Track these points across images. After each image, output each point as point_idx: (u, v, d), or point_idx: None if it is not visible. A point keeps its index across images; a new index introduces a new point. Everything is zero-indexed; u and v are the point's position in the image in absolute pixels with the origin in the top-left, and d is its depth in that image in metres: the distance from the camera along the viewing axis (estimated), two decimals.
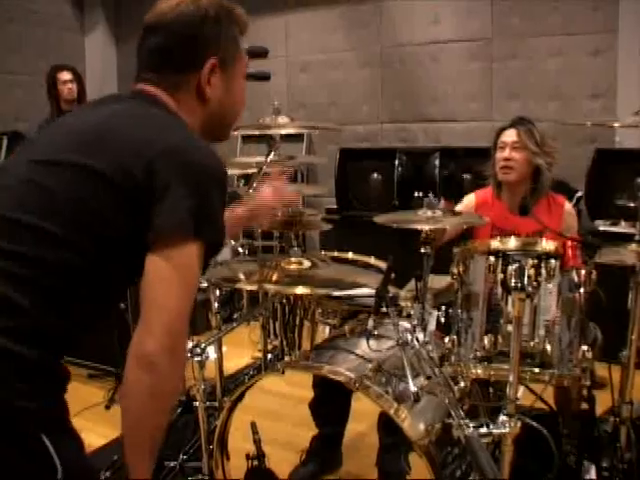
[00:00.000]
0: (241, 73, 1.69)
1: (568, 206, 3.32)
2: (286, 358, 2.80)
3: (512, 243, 2.32)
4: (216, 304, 3.08)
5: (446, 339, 2.32)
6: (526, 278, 2.06)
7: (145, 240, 1.38)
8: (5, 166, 1.57)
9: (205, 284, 2.89)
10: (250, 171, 3.40)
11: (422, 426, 2.21)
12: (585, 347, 2.21)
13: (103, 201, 1.39)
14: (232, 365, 4.24)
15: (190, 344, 2.63)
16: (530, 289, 2.07)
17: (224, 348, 3.18)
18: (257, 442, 2.48)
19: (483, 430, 2.03)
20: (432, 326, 2.49)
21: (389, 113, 6.32)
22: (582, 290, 2.26)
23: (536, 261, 2.14)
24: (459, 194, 3.48)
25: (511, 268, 2.08)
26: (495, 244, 2.31)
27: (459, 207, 3.31)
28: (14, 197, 1.41)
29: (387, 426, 2.51)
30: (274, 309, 2.96)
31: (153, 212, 1.37)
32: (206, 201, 1.41)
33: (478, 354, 2.25)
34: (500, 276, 2.18)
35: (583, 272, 2.26)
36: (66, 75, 4.83)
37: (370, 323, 2.33)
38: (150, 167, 1.38)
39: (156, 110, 1.54)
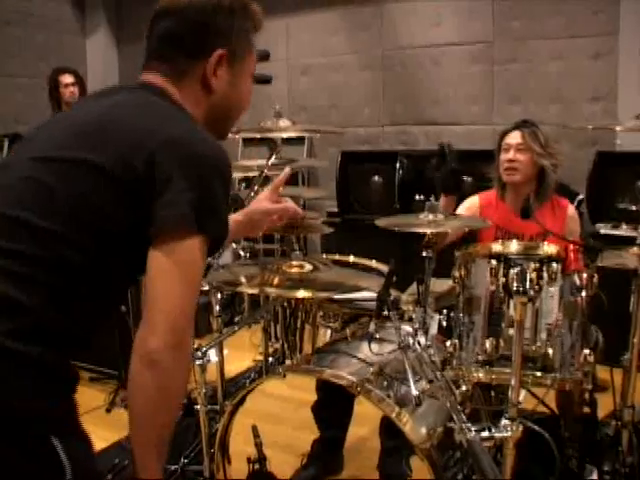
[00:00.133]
0: (249, 70, 1.67)
1: (571, 209, 3.33)
2: (287, 362, 2.80)
3: (514, 247, 2.32)
4: (217, 307, 3.07)
5: (448, 343, 2.32)
6: (528, 282, 2.06)
7: (146, 235, 1.36)
8: (5, 164, 1.55)
9: (206, 287, 2.89)
10: (251, 174, 3.40)
11: (424, 430, 2.21)
12: (587, 351, 2.21)
13: (103, 196, 1.37)
14: (233, 368, 4.24)
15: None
16: (532, 293, 2.07)
17: (225, 351, 3.17)
18: (258, 445, 2.47)
19: (485, 434, 2.02)
20: (434, 330, 2.49)
21: (390, 116, 6.32)
22: (584, 294, 2.26)
23: (538, 265, 2.14)
24: (460, 196, 3.47)
25: (513, 272, 2.08)
26: (497, 248, 2.31)
27: (461, 209, 3.31)
28: (14, 195, 1.40)
29: (389, 430, 2.50)
30: (275, 312, 2.95)
31: (154, 206, 1.36)
32: (209, 194, 1.39)
33: (480, 358, 2.25)
34: (502, 280, 2.17)
35: (585, 276, 2.25)
36: (68, 78, 4.84)
37: (372, 327, 2.33)
38: (151, 159, 1.36)
39: (160, 101, 1.52)
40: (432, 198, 2.65)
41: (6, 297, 1.30)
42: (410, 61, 6.15)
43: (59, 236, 1.35)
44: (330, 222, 4.78)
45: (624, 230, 4.43)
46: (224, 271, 2.80)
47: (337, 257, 3.09)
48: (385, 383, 2.32)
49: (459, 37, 5.91)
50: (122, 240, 1.41)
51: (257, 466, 2.47)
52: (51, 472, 1.31)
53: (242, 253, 3.26)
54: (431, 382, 2.19)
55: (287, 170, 2.15)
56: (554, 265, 2.18)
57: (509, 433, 2.06)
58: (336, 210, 5.81)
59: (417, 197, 5.11)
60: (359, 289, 2.58)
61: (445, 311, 2.57)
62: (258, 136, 4.26)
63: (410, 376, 2.16)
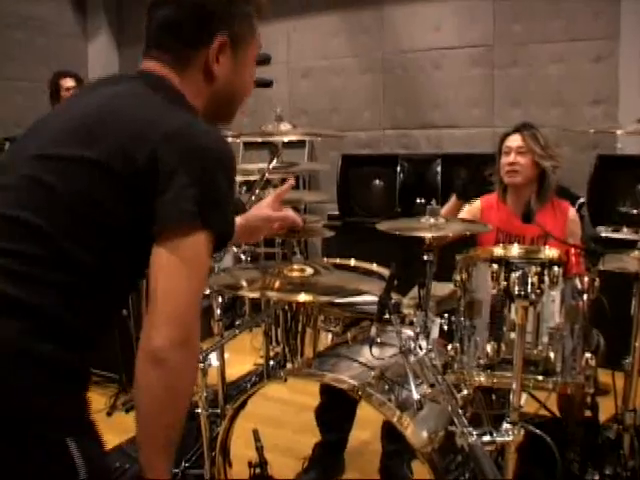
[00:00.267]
0: (252, 56, 1.63)
1: (572, 212, 3.34)
2: (288, 365, 2.80)
3: (515, 251, 2.32)
4: (218, 311, 3.07)
5: (449, 347, 2.31)
6: (529, 286, 2.06)
7: (149, 231, 1.34)
8: (4, 163, 1.52)
9: (207, 291, 2.89)
10: (252, 178, 3.40)
11: (425, 434, 2.20)
12: (588, 354, 2.20)
13: (103, 191, 1.35)
14: (234, 372, 4.24)
15: None
16: (533, 297, 2.07)
17: (226, 355, 3.17)
18: (259, 449, 2.47)
19: (486, 438, 2.02)
20: (435, 334, 2.48)
21: (391, 119, 6.32)
22: (585, 297, 2.26)
23: (539, 269, 2.13)
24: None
25: (514, 276, 2.08)
26: (498, 251, 2.31)
27: (463, 212, 3.32)
28: (13, 195, 1.39)
29: (390, 433, 2.50)
30: (276, 316, 2.95)
31: (157, 202, 1.33)
32: (212, 188, 1.37)
33: (481, 362, 2.24)
34: (503, 284, 2.17)
35: (586, 279, 2.25)
36: (69, 82, 4.83)
37: (373, 331, 2.33)
38: (153, 153, 1.34)
39: (160, 91, 1.48)
40: (433, 202, 2.64)
41: (11, 297, 1.29)
42: (411, 64, 6.15)
43: (59, 234, 1.34)
44: (331, 225, 4.77)
45: (625, 233, 4.43)
46: (225, 275, 2.80)
47: (338, 261, 3.08)
48: (386, 387, 2.32)
49: (460, 40, 5.91)
50: (124, 236, 1.39)
51: (258, 470, 2.47)
52: (65, 471, 1.30)
53: (243, 257, 3.27)
54: (432, 386, 2.19)
55: (291, 182, 2.16)
56: (555, 269, 2.18)
57: (511, 437, 2.06)
58: (337, 213, 5.81)
59: (418, 200, 5.12)
60: (360, 293, 2.58)
61: (446, 315, 2.57)
62: (259, 140, 4.26)
63: (411, 380, 2.15)
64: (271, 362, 3.47)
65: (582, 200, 4.55)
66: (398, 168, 5.60)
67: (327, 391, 2.78)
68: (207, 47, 1.52)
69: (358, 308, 2.77)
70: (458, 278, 2.35)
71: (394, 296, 2.49)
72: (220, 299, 3.06)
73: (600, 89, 5.33)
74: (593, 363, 2.20)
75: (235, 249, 3.18)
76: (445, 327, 2.56)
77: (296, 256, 2.66)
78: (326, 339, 2.81)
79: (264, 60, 2.68)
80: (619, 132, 3.53)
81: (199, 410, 2.79)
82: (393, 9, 6.21)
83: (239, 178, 3.93)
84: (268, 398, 2.51)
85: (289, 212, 2.09)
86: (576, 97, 5.43)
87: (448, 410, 2.11)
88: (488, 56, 5.79)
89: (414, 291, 2.55)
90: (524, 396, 2.31)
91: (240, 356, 4.40)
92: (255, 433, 2.49)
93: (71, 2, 7.20)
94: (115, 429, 3.35)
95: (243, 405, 2.48)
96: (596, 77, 5.34)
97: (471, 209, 3.37)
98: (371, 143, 6.41)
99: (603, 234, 4.52)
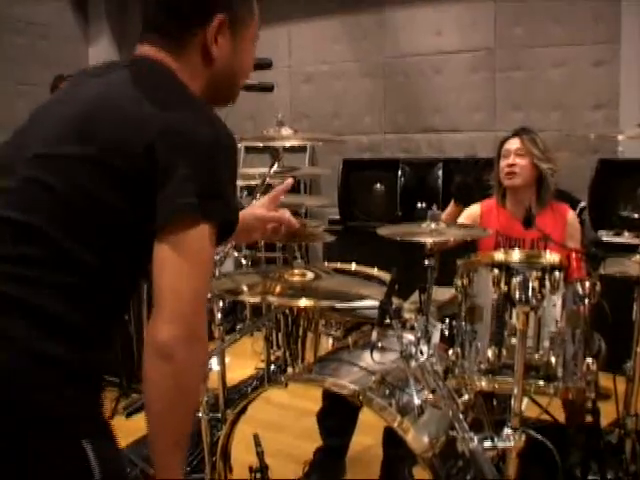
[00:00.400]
0: (251, 36, 1.59)
1: (571, 214, 3.35)
2: (289, 370, 2.80)
3: (516, 255, 2.32)
4: (219, 315, 3.07)
5: (450, 351, 2.31)
6: (530, 291, 2.06)
7: (151, 227, 1.32)
8: (3, 163, 1.47)
9: (208, 295, 2.89)
10: (253, 182, 3.40)
11: (426, 439, 2.20)
12: (590, 359, 2.20)
13: (103, 189, 1.34)
14: (235, 376, 4.24)
15: None
16: (534, 302, 2.07)
17: (227, 359, 3.17)
18: (260, 454, 2.47)
19: (487, 444, 2.02)
20: (436, 339, 2.48)
21: (392, 123, 6.33)
22: (586, 302, 2.26)
23: (540, 273, 2.13)
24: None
25: (515, 281, 2.08)
26: (499, 256, 2.31)
27: (463, 217, 3.33)
28: (13, 197, 1.38)
29: (391, 438, 2.50)
30: (277, 320, 2.95)
31: (158, 197, 1.32)
32: (213, 178, 1.35)
33: (482, 367, 2.24)
34: (504, 289, 2.17)
35: (587, 284, 2.25)
36: None
37: (374, 336, 2.32)
38: (151, 148, 1.31)
39: (155, 78, 1.46)
40: (434, 206, 2.64)
41: (15, 298, 1.29)
42: (412, 69, 6.16)
43: (60, 234, 1.33)
44: (332, 230, 4.77)
45: (626, 238, 4.44)
46: (226, 279, 2.80)
47: (339, 265, 3.08)
48: (387, 392, 2.31)
49: (461, 45, 5.92)
50: (126, 233, 1.38)
51: (259, 475, 2.46)
52: (80, 472, 1.30)
53: (244, 261, 3.27)
54: (434, 391, 2.19)
55: (289, 180, 2.14)
56: (556, 274, 2.18)
57: (512, 443, 2.06)
58: (338, 218, 5.81)
59: (419, 205, 5.11)
60: (361, 297, 2.58)
61: (447, 320, 2.57)
62: (260, 145, 4.27)
63: (412, 385, 2.15)
64: (272, 366, 3.47)
65: (583, 204, 4.56)
66: (399, 172, 5.60)
67: (329, 396, 2.78)
68: (205, 28, 1.48)
69: (359, 312, 2.77)
70: (459, 283, 2.35)
71: (395, 301, 2.49)
72: (221, 303, 3.06)
73: (601, 93, 5.34)
74: (594, 368, 2.19)
75: (236, 254, 3.18)
76: (446, 332, 2.56)
77: (297, 260, 2.66)
78: (327, 343, 2.81)
79: (265, 64, 2.69)
80: (620, 137, 3.54)
81: (200, 414, 2.79)
82: (394, 13, 6.22)
83: (240, 182, 3.94)
84: (269, 402, 2.51)
85: (284, 213, 2.06)
86: (577, 101, 5.43)
87: (449, 415, 2.11)
88: (489, 60, 5.80)
89: (415, 296, 2.55)
90: (525, 400, 2.31)
91: (241, 360, 4.40)
92: (256, 438, 2.49)
93: (73, 6, 7.20)
94: (116, 433, 3.35)
95: (244, 410, 2.47)
96: (597, 81, 5.35)
97: (471, 214, 3.38)
98: (372, 147, 6.42)
99: (604, 238, 4.53)
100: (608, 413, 2.92)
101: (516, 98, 5.71)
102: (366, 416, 2.47)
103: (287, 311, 2.80)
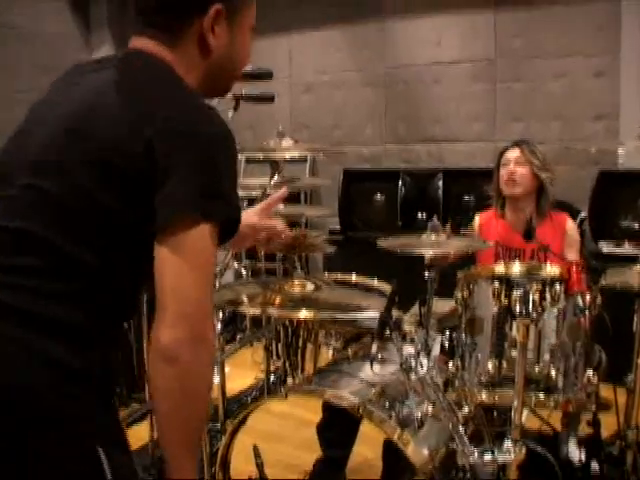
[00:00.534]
0: (248, 25, 1.55)
1: (570, 223, 3.35)
2: (289, 380, 2.79)
3: (516, 268, 2.32)
4: (219, 326, 3.06)
5: (450, 363, 2.31)
6: (531, 304, 2.06)
7: (150, 227, 1.31)
8: (1, 171, 1.46)
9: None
10: (254, 193, 3.39)
11: (426, 451, 2.19)
12: (590, 372, 2.20)
13: (103, 190, 1.32)
14: (235, 386, 4.23)
15: None
16: (534, 315, 2.07)
17: (227, 369, 3.16)
18: (259, 466, 2.46)
19: (488, 457, 2.01)
20: (436, 351, 2.48)
21: (392, 134, 6.33)
22: (587, 314, 2.26)
23: (540, 286, 2.14)
24: (462, 215, 3.50)
25: (516, 294, 2.08)
26: (499, 269, 2.31)
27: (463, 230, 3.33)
28: (9, 206, 1.37)
29: (391, 451, 2.49)
30: (277, 331, 2.95)
31: (157, 197, 1.30)
32: (213, 178, 1.33)
33: (482, 379, 2.24)
34: (504, 301, 2.17)
35: (588, 297, 2.25)
36: None
37: (374, 348, 2.32)
38: (149, 147, 1.29)
39: (153, 72, 1.44)
40: (434, 218, 2.64)
41: (19, 309, 1.29)
42: (412, 79, 6.16)
43: (61, 239, 1.32)
44: (332, 240, 4.77)
45: (627, 248, 4.44)
46: (226, 290, 2.79)
47: (339, 276, 3.08)
48: (387, 404, 2.31)
49: (461, 55, 5.92)
50: (126, 234, 1.36)
51: None
52: (92, 477, 1.30)
53: (244, 272, 3.26)
54: (433, 404, 2.18)
55: (284, 190, 2.12)
56: (557, 286, 2.18)
57: (512, 456, 2.05)
58: (338, 228, 5.80)
59: (419, 215, 5.13)
60: (361, 309, 2.58)
61: (447, 332, 2.57)
62: (261, 156, 4.27)
63: (412, 398, 2.15)
64: (272, 376, 3.46)
65: (583, 215, 4.56)
66: (399, 183, 5.59)
67: (330, 407, 2.77)
68: (201, 17, 1.45)
69: (359, 323, 2.76)
70: (459, 295, 2.35)
71: (395, 312, 2.49)
72: (221, 314, 3.06)
73: (601, 104, 5.34)
74: (595, 380, 2.19)
75: (236, 264, 3.18)
76: (446, 344, 2.56)
77: (297, 271, 2.66)
78: (327, 354, 2.81)
79: (266, 75, 2.70)
80: (620, 150, 3.55)
81: None
82: (394, 24, 6.23)
83: (241, 193, 3.92)
84: (269, 412, 2.50)
85: (277, 223, 2.04)
86: (577, 112, 5.43)
87: (449, 428, 2.10)
88: (489, 71, 5.80)
89: (415, 308, 2.55)
90: (525, 412, 2.30)
91: (241, 370, 4.39)
92: (255, 449, 2.48)
93: (75, 16, 7.22)
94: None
95: (243, 420, 2.47)
96: (597, 92, 5.35)
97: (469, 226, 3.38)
98: (373, 158, 6.41)
99: (604, 249, 4.53)
100: (609, 424, 2.92)
101: (516, 109, 5.71)
102: (366, 427, 2.46)
103: (287, 322, 2.80)
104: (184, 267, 1.29)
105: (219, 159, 1.34)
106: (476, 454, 1.97)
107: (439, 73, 6.02)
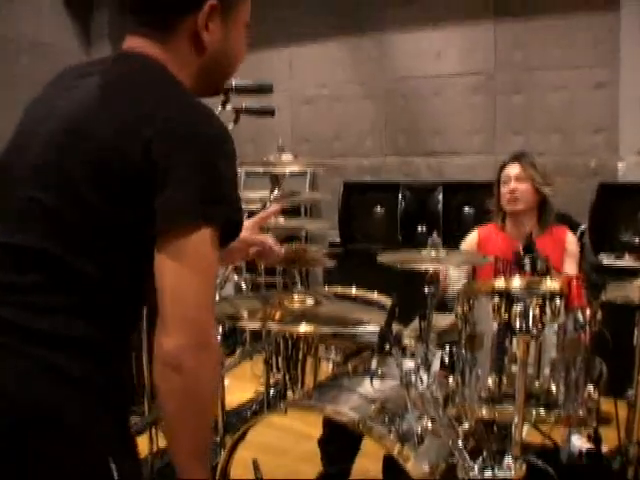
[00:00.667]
0: (243, 21, 1.53)
1: (570, 236, 3.36)
2: (289, 394, 2.78)
3: (516, 283, 2.31)
4: (219, 339, 3.06)
5: (450, 378, 2.30)
6: (531, 319, 2.05)
7: (150, 230, 1.29)
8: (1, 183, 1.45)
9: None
10: (254, 207, 3.39)
11: (426, 467, 2.18)
12: (591, 387, 2.19)
13: (101, 195, 1.30)
14: (235, 399, 4.21)
15: None
16: (535, 331, 2.06)
17: (227, 381, 3.16)
18: None
19: (488, 474, 2.00)
20: (436, 367, 2.47)
21: (392, 147, 6.34)
22: (587, 329, 2.25)
23: (541, 301, 2.13)
24: (461, 228, 3.50)
25: (516, 309, 2.08)
26: (499, 284, 2.30)
27: (463, 246, 3.33)
28: (8, 222, 1.37)
29: (391, 466, 2.48)
30: (277, 344, 2.95)
31: (157, 200, 1.28)
32: (213, 180, 1.31)
33: (483, 395, 2.23)
34: (505, 316, 2.16)
35: (588, 312, 2.24)
36: None
37: (374, 364, 2.32)
38: (148, 150, 1.28)
39: (149, 74, 1.41)
40: (434, 233, 2.64)
41: (20, 325, 1.28)
42: (412, 92, 6.18)
43: (61, 250, 1.31)
44: (332, 252, 4.77)
45: (627, 261, 4.44)
46: (226, 304, 2.79)
47: (339, 289, 3.08)
48: (387, 419, 2.30)
49: (461, 68, 5.94)
50: (127, 236, 1.35)
51: None
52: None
53: (244, 285, 3.26)
54: (433, 420, 2.17)
55: (276, 206, 2.12)
56: (557, 301, 2.18)
57: (512, 472, 2.04)
58: (338, 241, 5.80)
59: (419, 229, 5.12)
60: (361, 323, 2.57)
61: (447, 347, 2.56)
62: (261, 170, 4.28)
63: (412, 413, 2.14)
64: (271, 390, 3.45)
65: (583, 228, 4.56)
66: (399, 196, 5.60)
67: (330, 423, 2.76)
68: (195, 14, 1.42)
69: (359, 338, 2.76)
70: (459, 310, 2.34)
71: (395, 326, 2.48)
72: (220, 327, 3.05)
73: (601, 117, 5.35)
74: (595, 396, 2.18)
75: (236, 277, 3.18)
76: (446, 359, 2.55)
77: (297, 286, 2.66)
78: (327, 367, 2.80)
79: (266, 89, 2.70)
80: (620, 165, 3.56)
81: None
82: (394, 37, 6.25)
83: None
84: (269, 426, 2.49)
85: (267, 238, 2.02)
86: (577, 125, 5.44)
87: (449, 444, 2.09)
88: (489, 83, 5.82)
89: (415, 323, 2.54)
90: (526, 427, 2.29)
91: (241, 383, 4.38)
92: (255, 463, 2.47)
93: (76, 28, 7.24)
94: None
95: (243, 435, 2.46)
96: (597, 105, 5.36)
97: (469, 242, 3.38)
98: (373, 170, 6.42)
99: (605, 262, 4.53)
100: (609, 439, 2.91)
101: (516, 122, 5.72)
102: (367, 442, 2.46)
103: (287, 335, 2.80)
104: (185, 272, 1.28)
105: (219, 162, 1.33)
106: (476, 470, 1.96)
107: (439, 86, 6.03)
